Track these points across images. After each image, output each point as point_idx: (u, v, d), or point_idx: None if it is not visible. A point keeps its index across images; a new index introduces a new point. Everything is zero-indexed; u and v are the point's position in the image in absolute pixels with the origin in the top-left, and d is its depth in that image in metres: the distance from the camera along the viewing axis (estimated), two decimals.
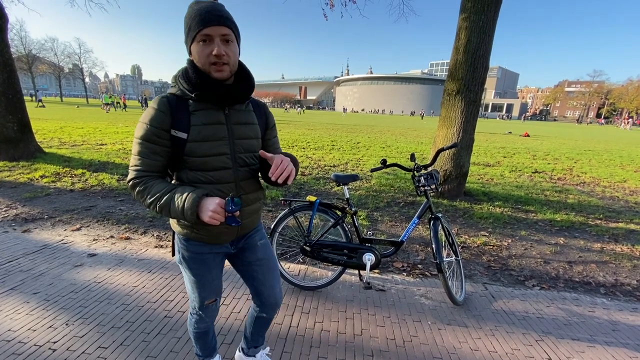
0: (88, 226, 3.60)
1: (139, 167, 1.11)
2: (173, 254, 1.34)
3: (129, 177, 1.11)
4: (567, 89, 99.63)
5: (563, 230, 4.08)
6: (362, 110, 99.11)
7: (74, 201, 4.37)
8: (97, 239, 3.28)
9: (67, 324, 2.02)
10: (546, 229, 4.10)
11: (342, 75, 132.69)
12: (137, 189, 1.10)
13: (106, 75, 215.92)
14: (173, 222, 1.28)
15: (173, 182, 1.23)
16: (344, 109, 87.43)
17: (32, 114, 7.07)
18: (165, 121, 1.09)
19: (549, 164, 9.41)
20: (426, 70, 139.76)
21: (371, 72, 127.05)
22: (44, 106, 29.10)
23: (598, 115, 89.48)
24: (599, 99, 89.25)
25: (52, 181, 5.20)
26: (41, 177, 5.37)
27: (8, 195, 4.45)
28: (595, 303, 2.55)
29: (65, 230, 3.47)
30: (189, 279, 1.32)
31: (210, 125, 1.13)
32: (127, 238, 3.34)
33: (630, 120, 54.88)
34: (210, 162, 1.14)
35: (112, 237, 3.36)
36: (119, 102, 31.95)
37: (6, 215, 3.79)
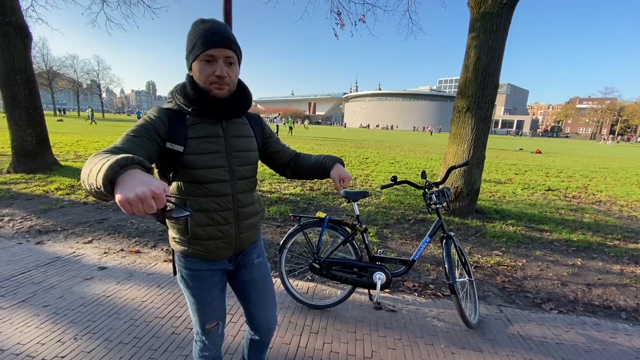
0: (99, 239, 3.64)
1: (113, 144, 0.94)
2: (174, 273, 1.31)
3: None
4: (578, 106, 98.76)
5: (580, 250, 3.95)
6: (377, 126, 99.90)
7: (87, 214, 4.44)
8: (107, 252, 3.30)
9: (75, 339, 2.01)
10: (562, 249, 3.97)
11: (350, 92, 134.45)
12: (90, 158, 0.83)
13: (122, 91, 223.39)
14: (171, 240, 1.25)
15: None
16: (344, 124, 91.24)
17: (51, 128, 7.31)
18: (162, 129, 1.07)
19: (562, 181, 9.22)
20: (434, 87, 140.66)
21: (379, 89, 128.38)
22: (94, 122, 30.70)
23: (612, 132, 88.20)
24: (612, 116, 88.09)
25: (67, 194, 5.31)
26: (56, 189, 5.49)
27: (24, 207, 4.55)
28: (617, 329, 2.44)
29: (77, 242, 3.51)
30: (188, 300, 1.28)
31: (208, 138, 1.14)
32: (137, 252, 3.36)
33: (611, 135, 55.96)
34: (207, 174, 1.13)
35: (122, 250, 3.38)
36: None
37: (21, 227, 3.86)
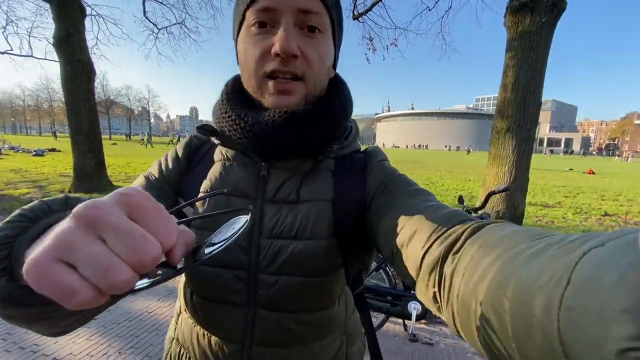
0: None
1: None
2: None
3: None
4: (637, 122, 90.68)
5: None
6: (407, 146, 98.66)
7: None
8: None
9: (120, 352, 2.12)
10: None
11: (382, 112, 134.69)
12: None
13: (168, 116, 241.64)
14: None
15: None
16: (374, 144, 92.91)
17: (106, 151, 8.07)
18: (174, 178, 0.62)
19: (621, 205, 8.38)
20: (471, 105, 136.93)
21: (412, 108, 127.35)
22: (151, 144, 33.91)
23: None
24: None
25: None
26: None
27: None
28: None
29: None
30: None
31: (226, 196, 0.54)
32: None
33: (630, 152, 53.48)
34: (211, 281, 0.54)
35: None
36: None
37: None
